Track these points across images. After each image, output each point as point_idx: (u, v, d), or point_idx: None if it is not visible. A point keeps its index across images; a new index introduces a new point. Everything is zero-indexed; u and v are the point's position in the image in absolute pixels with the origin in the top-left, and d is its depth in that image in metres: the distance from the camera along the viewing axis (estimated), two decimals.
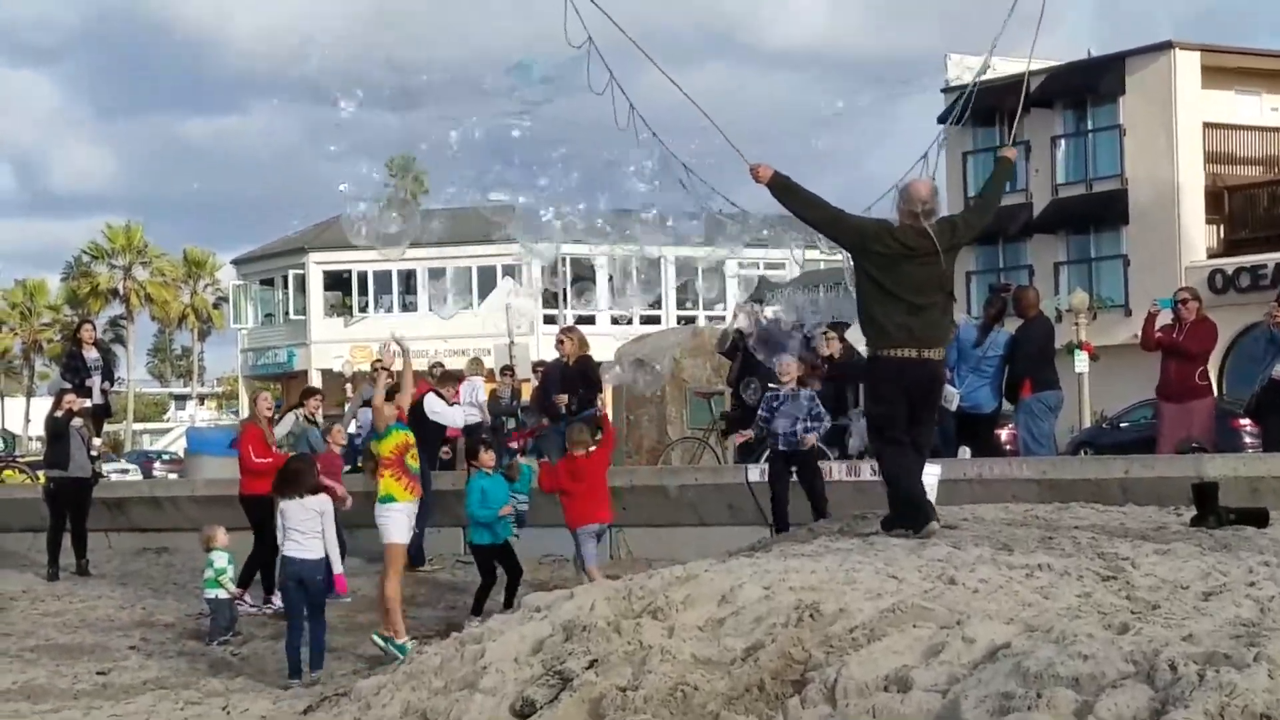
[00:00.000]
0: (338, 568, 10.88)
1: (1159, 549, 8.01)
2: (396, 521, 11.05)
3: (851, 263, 9.27)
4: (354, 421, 20.68)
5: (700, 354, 20.72)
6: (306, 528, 10.60)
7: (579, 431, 12.90)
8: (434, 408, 15.70)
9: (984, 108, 37.43)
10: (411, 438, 11.27)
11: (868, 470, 13.93)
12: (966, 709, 5.09)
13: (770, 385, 13.89)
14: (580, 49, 9.71)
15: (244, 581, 13.50)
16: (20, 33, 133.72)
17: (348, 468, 17.16)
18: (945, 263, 8.81)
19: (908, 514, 8.91)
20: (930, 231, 8.73)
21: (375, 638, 11.15)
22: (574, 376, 15.73)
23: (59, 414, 16.47)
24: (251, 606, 13.27)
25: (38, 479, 20.04)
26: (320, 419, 16.71)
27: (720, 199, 9.95)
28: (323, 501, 10.77)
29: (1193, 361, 13.58)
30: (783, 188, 9.02)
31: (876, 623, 6.07)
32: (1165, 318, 14.13)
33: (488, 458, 12.92)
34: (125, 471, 44.51)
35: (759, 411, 13.25)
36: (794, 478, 13.14)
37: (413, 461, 11.15)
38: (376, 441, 11.31)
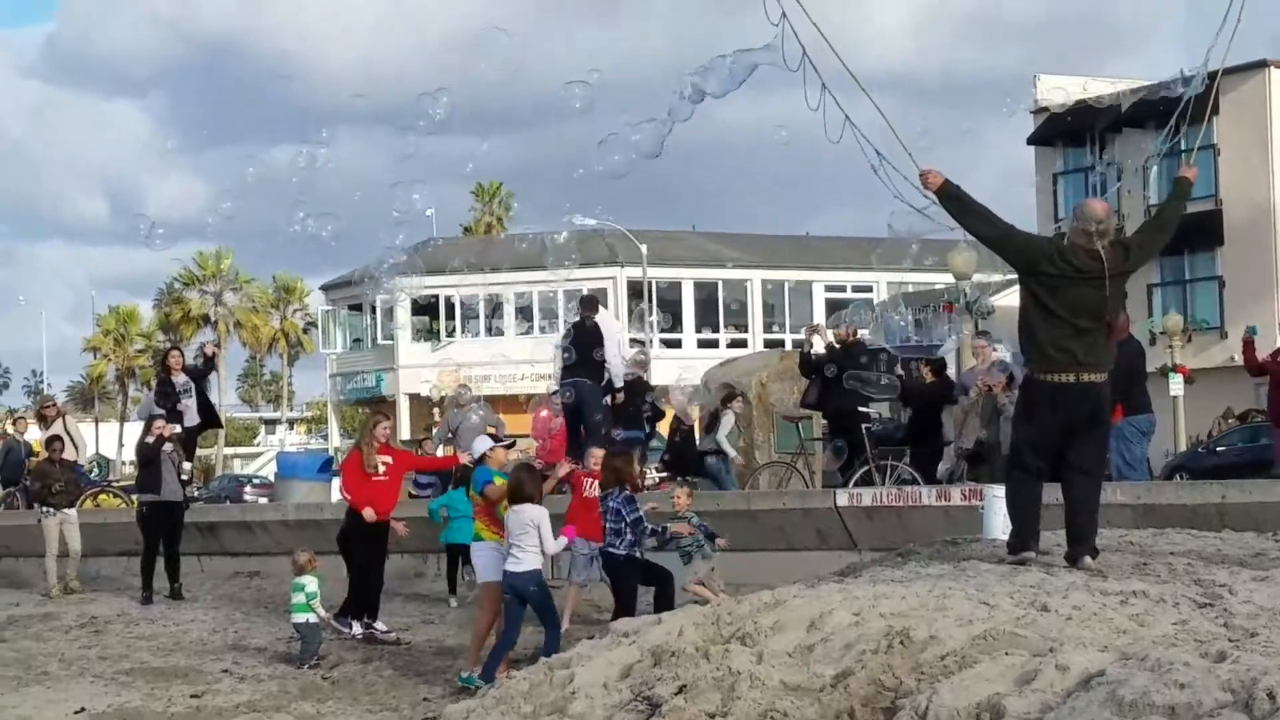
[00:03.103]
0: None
1: (1257, 575, 7.87)
2: (487, 559, 11.21)
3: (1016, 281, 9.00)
4: (442, 445, 20.84)
5: (787, 378, 20.64)
6: (521, 539, 10.61)
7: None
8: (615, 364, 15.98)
9: (1076, 128, 37.21)
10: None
11: (957, 495, 13.82)
12: None
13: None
14: (775, 26, 9.56)
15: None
16: (115, 66, 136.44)
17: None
18: (1113, 287, 8.57)
19: (1010, 537, 8.83)
20: (1102, 254, 8.48)
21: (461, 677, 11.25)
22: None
23: (150, 440, 16.72)
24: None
25: (132, 503, 20.34)
26: None
27: (908, 188, 9.53)
28: (538, 512, 10.71)
29: None
30: (952, 197, 8.78)
31: (968, 649, 6.00)
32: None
33: None
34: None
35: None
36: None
37: (503, 510, 11.18)
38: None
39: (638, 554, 11.57)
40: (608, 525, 11.54)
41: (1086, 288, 8.51)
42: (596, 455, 13.03)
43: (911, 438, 16.70)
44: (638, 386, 17.89)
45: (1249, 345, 13.96)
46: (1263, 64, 36.76)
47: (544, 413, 19.60)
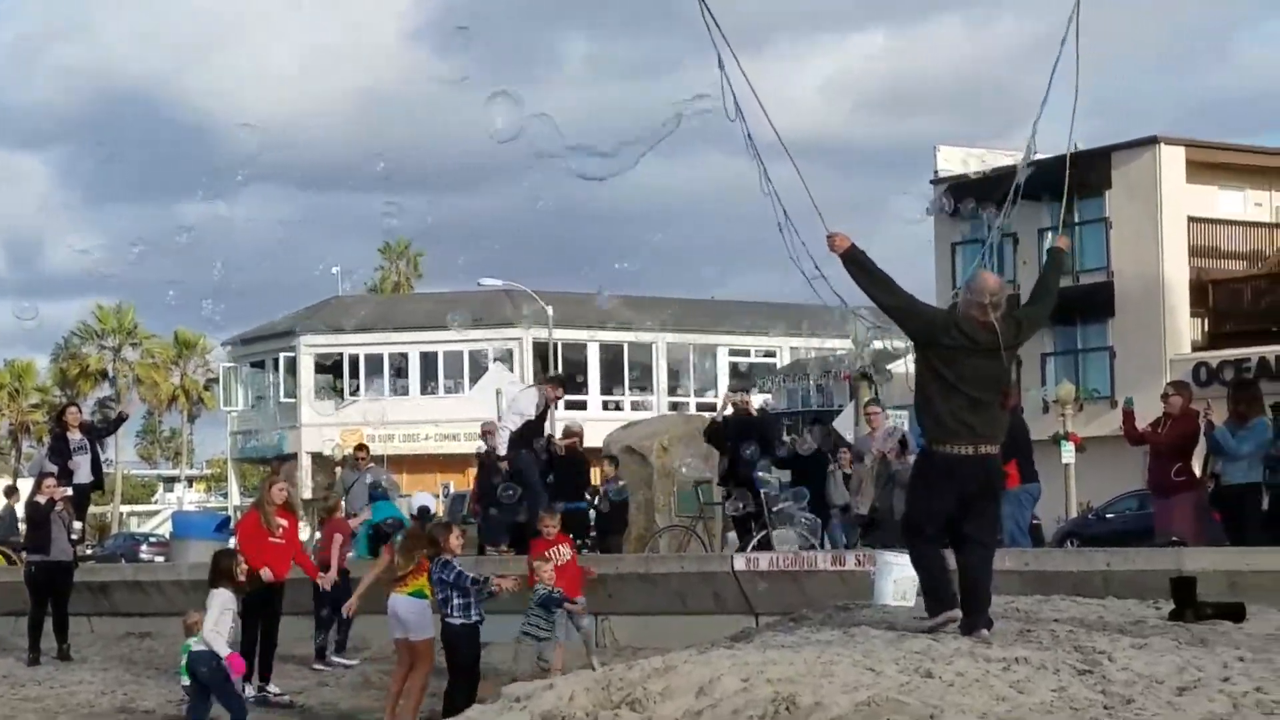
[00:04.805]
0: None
1: (1136, 643, 8.05)
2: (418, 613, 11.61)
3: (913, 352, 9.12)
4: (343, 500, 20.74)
5: (689, 441, 20.79)
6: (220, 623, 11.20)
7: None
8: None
9: (973, 198, 37.93)
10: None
11: (852, 560, 14.00)
12: None
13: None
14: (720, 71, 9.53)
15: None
16: (19, 119, 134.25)
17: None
18: (1006, 359, 8.71)
19: (927, 600, 8.91)
20: (996, 326, 8.59)
21: None
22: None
23: (40, 499, 16.47)
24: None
25: (19, 561, 19.97)
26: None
27: (804, 252, 9.58)
28: (227, 598, 11.33)
29: (1170, 457, 13.73)
30: (856, 262, 8.79)
31: (852, 716, 6.11)
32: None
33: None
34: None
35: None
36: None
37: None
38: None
39: (474, 618, 11.38)
40: (437, 597, 11.43)
41: (982, 360, 8.62)
42: (547, 522, 13.09)
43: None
44: (574, 458, 17.88)
45: (1128, 416, 14.38)
46: (1153, 140, 37.73)
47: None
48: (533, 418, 16.91)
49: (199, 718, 11.29)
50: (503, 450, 16.62)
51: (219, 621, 11.10)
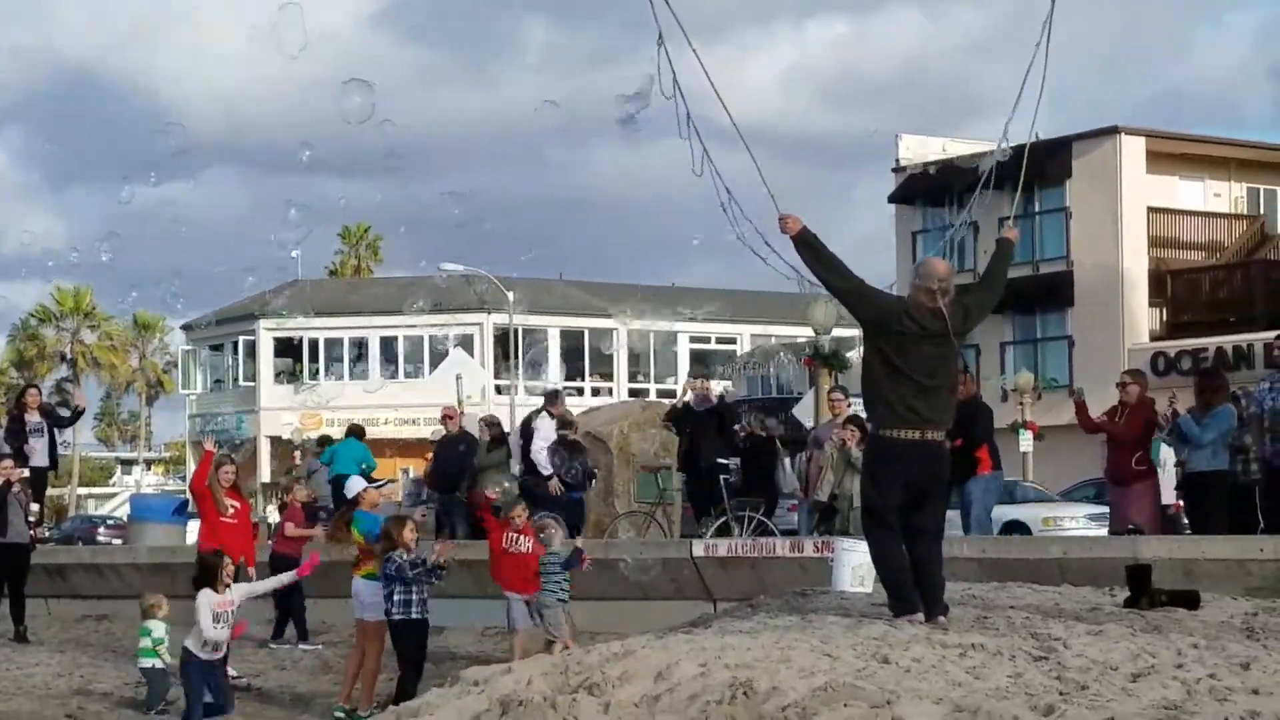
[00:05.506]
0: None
1: (1091, 630, 8.13)
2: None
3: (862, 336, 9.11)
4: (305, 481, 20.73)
5: (648, 427, 20.82)
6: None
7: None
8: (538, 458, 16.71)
9: (935, 188, 38.12)
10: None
11: (810, 547, 14.04)
12: None
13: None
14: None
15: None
16: None
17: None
18: (956, 345, 8.76)
19: (890, 600, 8.89)
20: (945, 313, 8.61)
21: (336, 713, 11.64)
22: None
23: None
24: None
25: None
26: None
27: (754, 233, 9.56)
28: (202, 598, 11.25)
29: (1129, 447, 13.81)
30: (808, 245, 8.78)
31: (809, 701, 6.14)
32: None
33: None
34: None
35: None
36: None
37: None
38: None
39: (414, 614, 11.36)
40: (384, 592, 11.43)
41: (931, 346, 8.64)
42: (515, 510, 13.10)
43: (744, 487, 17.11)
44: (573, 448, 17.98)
45: (1080, 407, 14.46)
46: (1114, 130, 37.94)
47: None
48: (555, 438, 17.37)
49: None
50: (554, 481, 17.20)
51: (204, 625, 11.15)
